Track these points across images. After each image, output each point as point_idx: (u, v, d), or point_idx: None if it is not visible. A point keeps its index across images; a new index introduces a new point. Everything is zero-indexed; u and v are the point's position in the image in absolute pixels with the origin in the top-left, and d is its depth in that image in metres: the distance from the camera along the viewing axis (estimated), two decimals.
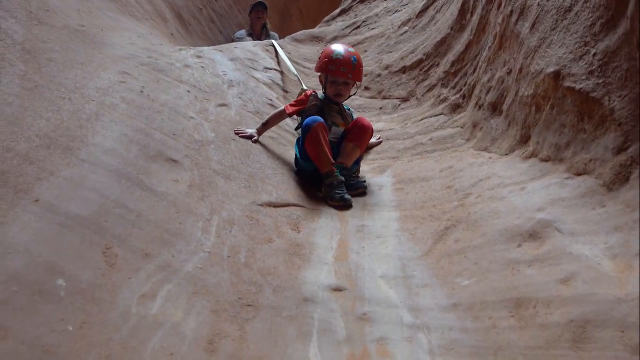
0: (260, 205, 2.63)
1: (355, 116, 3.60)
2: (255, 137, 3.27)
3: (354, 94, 3.69)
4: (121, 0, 5.06)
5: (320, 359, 1.60)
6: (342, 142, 3.32)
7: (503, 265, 1.82)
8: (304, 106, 3.45)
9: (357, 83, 3.57)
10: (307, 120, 3.19)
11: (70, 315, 1.48)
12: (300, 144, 3.28)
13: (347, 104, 3.64)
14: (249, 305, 1.84)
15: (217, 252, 2.10)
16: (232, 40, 6.74)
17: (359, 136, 3.30)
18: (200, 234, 2.16)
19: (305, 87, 4.07)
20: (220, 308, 1.78)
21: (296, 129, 3.66)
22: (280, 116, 3.46)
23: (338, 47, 3.43)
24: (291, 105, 3.49)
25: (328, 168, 3.07)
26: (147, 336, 1.53)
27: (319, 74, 3.56)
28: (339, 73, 3.34)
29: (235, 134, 3.22)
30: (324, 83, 3.49)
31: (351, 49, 3.44)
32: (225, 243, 2.19)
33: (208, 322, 1.69)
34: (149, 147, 2.55)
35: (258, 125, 3.38)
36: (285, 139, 3.66)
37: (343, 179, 3.04)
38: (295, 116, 3.62)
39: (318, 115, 3.32)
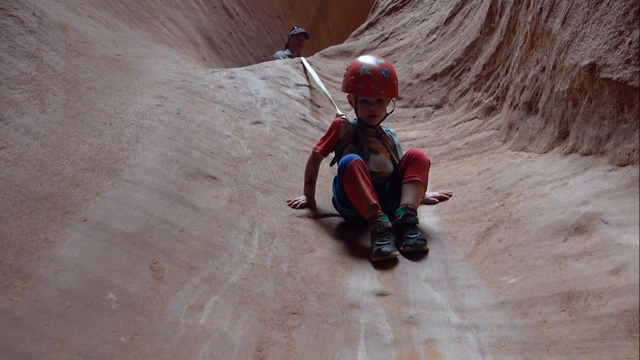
0: (300, 217, 2.65)
1: (396, 139, 3.07)
2: (305, 202, 2.79)
3: (391, 112, 3.04)
4: (154, 29, 5.22)
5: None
6: (400, 183, 2.66)
7: (550, 260, 1.78)
8: (336, 138, 2.93)
9: (393, 99, 2.99)
10: (343, 159, 2.61)
11: (122, 327, 1.52)
12: (338, 186, 2.70)
13: (385, 124, 3.12)
14: (294, 313, 1.85)
15: (260, 263, 2.12)
16: (272, 58, 6.90)
17: (418, 169, 2.62)
18: (243, 247, 2.19)
19: (340, 113, 3.49)
20: (267, 317, 1.79)
21: (331, 164, 3.10)
22: (314, 163, 2.91)
23: (366, 60, 2.87)
24: (320, 143, 2.97)
25: (371, 212, 2.45)
26: (196, 346, 1.56)
27: (347, 94, 3.05)
28: (370, 91, 2.78)
29: (293, 207, 2.74)
30: (354, 104, 2.94)
31: (381, 60, 2.87)
32: (267, 254, 2.21)
33: (255, 331, 1.70)
34: (188, 166, 2.61)
35: (304, 189, 2.88)
36: None
37: (389, 225, 2.41)
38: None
39: (353, 143, 2.87)
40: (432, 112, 4.25)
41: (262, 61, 6.81)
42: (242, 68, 5.08)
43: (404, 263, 2.26)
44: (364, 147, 2.84)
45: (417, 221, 2.47)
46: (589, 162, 2.17)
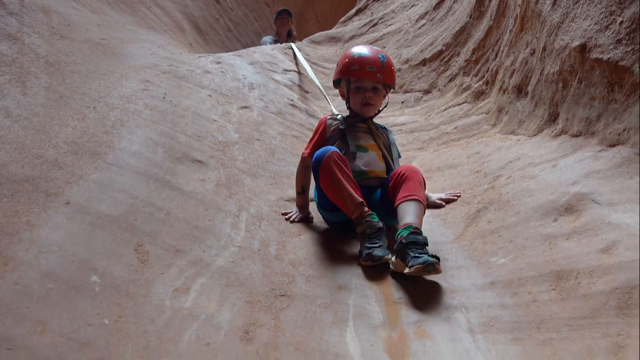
0: (288, 200, 2.62)
1: (392, 136, 2.71)
2: (299, 215, 2.48)
3: (385, 106, 2.72)
4: (139, 14, 5.14)
5: (357, 343, 1.57)
6: (393, 204, 2.22)
7: (540, 240, 1.77)
8: (323, 137, 2.59)
9: (390, 88, 2.66)
10: (316, 154, 2.28)
11: (105, 309, 1.49)
12: (316, 186, 2.41)
13: (387, 120, 2.75)
14: (282, 295, 1.82)
15: (247, 246, 2.10)
16: (260, 44, 6.82)
17: (414, 187, 2.19)
18: (230, 230, 2.16)
19: (335, 112, 3.13)
20: (254, 299, 1.77)
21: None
22: (304, 170, 2.54)
23: (360, 47, 2.60)
24: (307, 146, 2.63)
25: (357, 211, 2.15)
26: (182, 328, 1.53)
27: (338, 87, 2.75)
28: (365, 73, 2.48)
29: (291, 221, 2.45)
30: (347, 93, 2.61)
31: (376, 47, 2.62)
32: (255, 237, 2.18)
33: (242, 313, 1.68)
34: (174, 150, 2.56)
35: (297, 201, 2.58)
36: (308, 136, 3.64)
37: (380, 225, 2.11)
38: None
39: (341, 140, 2.54)
40: (421, 97, 4.22)
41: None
42: (229, 53, 5.02)
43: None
44: (351, 144, 2.50)
45: (426, 240, 1.96)
46: (579, 143, 2.15)
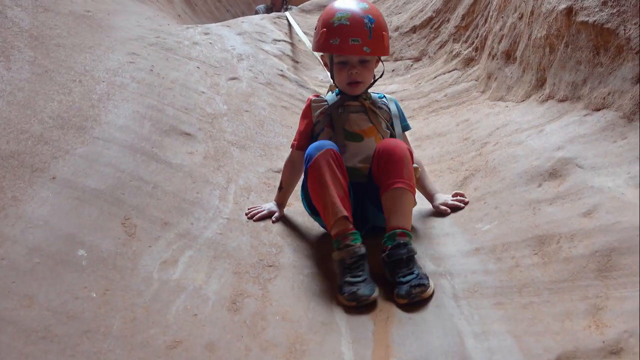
0: (277, 172, 2.62)
1: (394, 106, 2.23)
2: (276, 212, 2.18)
3: (380, 76, 2.27)
4: None
5: (343, 310, 1.60)
6: (377, 190, 1.92)
7: (524, 206, 1.78)
8: (309, 124, 2.17)
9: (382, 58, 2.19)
10: (310, 148, 1.92)
11: (93, 283, 1.50)
12: (303, 185, 2.08)
13: (377, 89, 2.29)
14: (270, 266, 1.84)
15: (235, 218, 2.11)
16: (254, 13, 6.72)
17: (397, 170, 1.85)
18: (218, 202, 2.17)
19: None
20: (242, 270, 1.79)
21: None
22: (291, 164, 2.20)
23: (343, 4, 2.03)
24: (295, 137, 2.22)
25: (338, 228, 1.77)
26: (170, 299, 1.55)
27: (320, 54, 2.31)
28: (348, 48, 1.97)
29: (250, 217, 2.15)
30: (330, 67, 2.12)
31: (364, 4, 2.03)
32: (243, 209, 2.19)
33: (230, 284, 1.70)
34: (161, 123, 2.55)
35: (275, 196, 2.25)
36: (298, 107, 3.63)
37: (363, 251, 1.73)
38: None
39: (329, 125, 2.11)
40: (412, 65, 4.19)
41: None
42: (217, 24, 4.95)
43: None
44: (339, 133, 2.07)
45: (412, 253, 1.72)
46: (565, 108, 2.15)
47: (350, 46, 1.96)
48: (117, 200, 1.90)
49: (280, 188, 2.23)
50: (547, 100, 2.34)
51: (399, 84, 4.01)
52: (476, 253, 1.72)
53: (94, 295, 1.46)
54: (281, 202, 2.23)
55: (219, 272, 1.75)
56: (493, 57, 3.13)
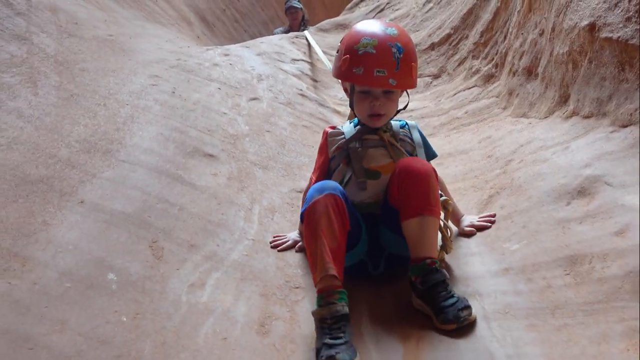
0: (299, 192, 2.62)
1: (417, 134, 2.09)
2: (300, 242, 2.09)
3: (404, 107, 2.07)
4: (146, 9, 5.15)
5: (373, 331, 1.59)
6: (393, 214, 1.79)
7: (553, 225, 1.76)
8: (326, 158, 2.05)
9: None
10: (310, 190, 1.76)
11: (123, 306, 1.51)
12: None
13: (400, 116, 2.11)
14: (296, 288, 1.84)
15: (260, 239, 2.11)
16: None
17: (422, 193, 1.72)
18: (243, 223, 2.18)
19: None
20: (269, 292, 1.79)
21: None
22: None
23: (369, 27, 1.88)
24: (314, 169, 2.12)
25: (323, 283, 1.60)
26: (198, 323, 1.55)
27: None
28: (372, 80, 1.81)
29: (274, 247, 2.09)
30: (350, 95, 1.99)
31: (393, 29, 1.86)
32: (268, 230, 2.19)
33: (258, 306, 1.70)
34: (185, 144, 2.58)
35: (299, 225, 2.10)
36: (319, 126, 3.64)
37: (345, 310, 1.56)
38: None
39: (345, 161, 1.97)
40: (431, 82, 4.19)
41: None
42: (237, 45, 5.01)
43: None
44: (358, 170, 1.91)
45: (446, 277, 1.64)
46: (591, 125, 2.13)
47: (375, 78, 1.80)
48: (144, 223, 1.91)
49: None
50: (572, 116, 2.31)
51: (419, 101, 4.01)
52: (505, 273, 1.70)
53: (125, 319, 1.47)
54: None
55: (246, 294, 1.75)
56: (514, 74, 3.11)
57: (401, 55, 1.81)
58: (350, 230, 1.74)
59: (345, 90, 2.05)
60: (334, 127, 2.12)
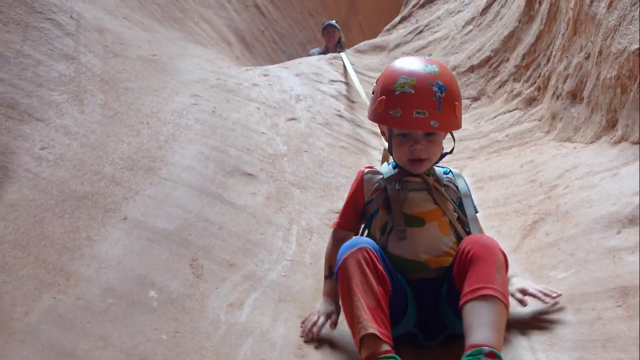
0: (337, 212, 2.61)
1: (463, 183, 1.93)
2: (332, 314, 1.71)
3: (450, 152, 1.88)
4: (187, 30, 5.27)
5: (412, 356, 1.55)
6: (459, 297, 1.49)
7: (602, 254, 1.70)
8: (359, 201, 1.88)
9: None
10: (341, 250, 1.57)
11: (163, 324, 1.51)
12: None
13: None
14: None
15: (299, 260, 2.10)
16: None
17: (486, 274, 1.46)
18: (282, 243, 2.17)
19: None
20: (307, 314, 1.76)
21: (361, 232, 1.93)
22: (334, 246, 1.82)
23: (404, 65, 1.74)
24: (340, 213, 1.97)
25: (368, 349, 1.40)
26: (237, 343, 1.54)
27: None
28: (411, 122, 1.67)
29: (311, 340, 1.63)
30: (388, 138, 1.80)
31: (432, 66, 1.71)
32: (306, 251, 2.18)
33: (296, 328, 1.68)
34: (225, 163, 2.60)
35: (323, 288, 1.82)
36: (356, 147, 3.63)
37: None
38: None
39: (384, 206, 1.78)
40: (470, 104, 4.15)
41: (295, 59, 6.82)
42: (275, 65, 5.07)
43: None
44: (398, 216, 1.72)
45: None
46: None
47: (415, 120, 1.65)
48: (185, 241, 1.93)
49: (326, 277, 1.83)
50: (620, 142, 2.25)
51: None
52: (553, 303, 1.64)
53: (165, 337, 1.47)
54: (331, 293, 1.76)
55: (284, 315, 1.74)
56: (558, 97, 3.06)
57: (443, 95, 1.66)
58: (392, 297, 1.53)
59: (383, 133, 1.90)
60: (370, 167, 1.95)
